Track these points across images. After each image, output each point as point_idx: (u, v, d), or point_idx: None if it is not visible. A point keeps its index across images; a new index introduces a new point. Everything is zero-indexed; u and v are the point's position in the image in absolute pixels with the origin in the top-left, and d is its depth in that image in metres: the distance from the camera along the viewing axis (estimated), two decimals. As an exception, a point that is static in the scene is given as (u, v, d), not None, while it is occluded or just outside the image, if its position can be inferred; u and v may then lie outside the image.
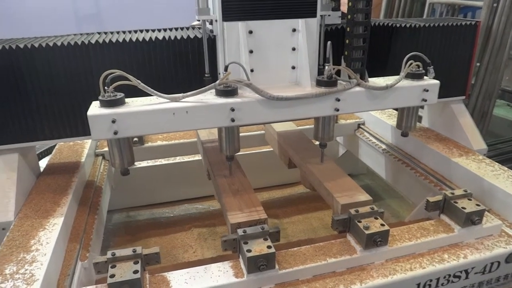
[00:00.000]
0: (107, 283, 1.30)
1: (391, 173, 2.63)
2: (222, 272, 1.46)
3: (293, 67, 1.79)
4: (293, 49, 1.76)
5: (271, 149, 2.79)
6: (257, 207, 1.70)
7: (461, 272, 1.61)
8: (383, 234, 1.55)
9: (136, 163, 2.84)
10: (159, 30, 2.01)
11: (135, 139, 2.66)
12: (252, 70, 1.72)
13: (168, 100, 1.57)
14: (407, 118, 1.95)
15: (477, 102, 3.70)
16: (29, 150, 2.05)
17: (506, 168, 2.06)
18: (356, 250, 1.58)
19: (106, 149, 2.58)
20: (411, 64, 1.79)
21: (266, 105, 1.63)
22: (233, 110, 1.58)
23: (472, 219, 1.68)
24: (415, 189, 2.37)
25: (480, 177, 1.98)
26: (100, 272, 1.39)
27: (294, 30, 1.73)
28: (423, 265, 1.57)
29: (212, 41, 1.79)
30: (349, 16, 1.71)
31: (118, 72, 1.47)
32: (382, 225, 1.57)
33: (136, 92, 1.55)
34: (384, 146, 2.67)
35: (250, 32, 1.68)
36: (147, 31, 2.00)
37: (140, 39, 1.83)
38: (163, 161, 2.92)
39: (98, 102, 1.52)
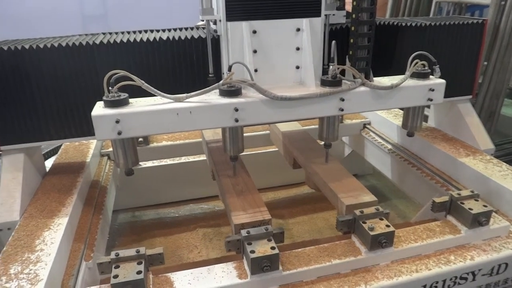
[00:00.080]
0: (110, 283, 1.30)
1: (397, 174, 2.61)
2: (226, 273, 1.46)
3: (297, 67, 1.78)
4: (297, 48, 1.75)
5: (277, 149, 2.78)
6: (261, 207, 1.69)
7: (468, 274, 1.59)
8: (388, 235, 1.54)
9: (141, 163, 2.86)
10: (163, 31, 2.01)
11: (140, 139, 2.67)
12: (256, 70, 1.71)
13: (171, 100, 1.57)
14: (412, 118, 1.93)
15: (484, 101, 3.65)
16: (35, 150, 2.06)
17: (514, 169, 2.04)
18: (361, 251, 1.56)
19: (112, 149, 2.59)
20: (416, 63, 1.77)
21: (270, 105, 1.62)
22: (236, 110, 1.58)
23: (479, 220, 1.66)
24: (421, 190, 2.34)
25: (488, 177, 1.96)
26: (103, 272, 1.39)
27: (298, 29, 1.72)
28: (429, 267, 1.55)
29: (216, 41, 1.78)
30: (353, 15, 1.70)
31: (122, 72, 1.48)
32: (387, 226, 1.56)
33: (140, 93, 1.55)
34: (390, 146, 2.65)
35: (254, 32, 1.68)
36: (151, 31, 2.00)
37: (144, 40, 1.83)
38: (168, 161, 2.93)
39: (102, 102, 1.53)
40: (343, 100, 1.69)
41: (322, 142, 1.97)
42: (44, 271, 1.40)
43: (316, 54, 1.75)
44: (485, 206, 1.68)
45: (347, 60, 1.80)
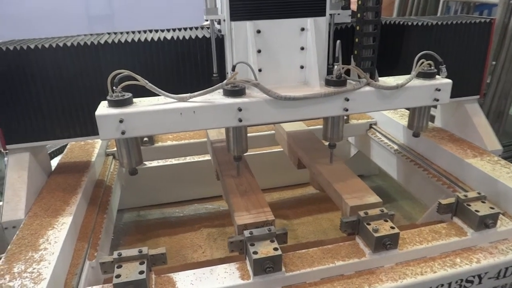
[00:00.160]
0: (112, 283, 1.30)
1: (403, 174, 2.58)
2: (228, 273, 1.45)
3: (302, 67, 1.77)
4: (302, 48, 1.74)
5: (282, 149, 2.77)
6: (265, 208, 1.68)
7: (473, 277, 1.56)
8: (392, 237, 1.52)
9: (146, 162, 2.87)
10: (168, 30, 2.01)
11: (146, 139, 2.68)
12: (260, 70, 1.71)
13: (175, 100, 1.57)
14: (418, 118, 1.91)
15: (492, 102, 3.61)
16: (40, 149, 2.07)
17: (522, 170, 2.00)
18: (365, 253, 1.55)
19: (117, 148, 2.60)
20: (422, 63, 1.75)
21: (274, 105, 1.61)
22: (240, 110, 1.57)
23: (486, 223, 1.63)
24: (428, 191, 2.32)
25: (495, 179, 1.93)
26: (106, 272, 1.39)
27: (302, 29, 1.71)
28: (434, 269, 1.53)
29: (220, 41, 1.78)
30: (358, 15, 1.68)
31: (126, 72, 1.48)
32: (392, 227, 1.54)
33: (144, 92, 1.55)
34: (396, 147, 2.63)
35: (258, 31, 1.67)
36: (156, 31, 2.00)
37: (149, 39, 1.83)
38: (173, 161, 2.93)
39: (106, 102, 1.53)
40: (347, 100, 1.67)
41: (327, 142, 1.96)
42: (47, 270, 1.40)
43: (320, 53, 1.73)
44: (492, 208, 1.66)
45: (352, 59, 1.78)
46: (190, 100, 1.57)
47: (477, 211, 1.64)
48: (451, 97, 1.81)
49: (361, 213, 1.59)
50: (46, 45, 1.76)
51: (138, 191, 2.91)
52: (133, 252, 1.39)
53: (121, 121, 1.49)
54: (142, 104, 1.55)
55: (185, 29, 2.05)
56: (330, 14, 1.73)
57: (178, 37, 1.86)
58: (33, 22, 6.69)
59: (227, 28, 1.65)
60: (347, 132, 2.95)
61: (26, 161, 1.92)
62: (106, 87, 1.50)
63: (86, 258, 1.64)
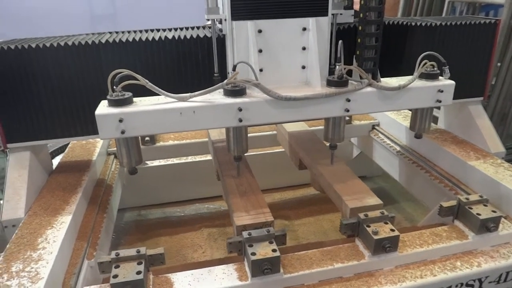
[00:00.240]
0: (110, 283, 1.29)
1: (405, 176, 2.56)
2: (226, 274, 1.44)
3: (303, 67, 1.76)
4: (303, 48, 1.73)
5: (283, 149, 2.76)
6: (264, 209, 1.67)
7: (474, 281, 1.55)
8: (392, 240, 1.50)
9: (147, 162, 2.86)
10: (169, 30, 2.00)
11: (147, 138, 2.68)
12: (261, 70, 1.70)
13: (175, 100, 1.56)
14: (421, 119, 1.89)
15: (497, 103, 3.57)
16: (41, 148, 2.07)
17: (525, 173, 1.98)
18: (365, 255, 1.53)
19: (118, 147, 2.60)
20: (425, 64, 1.73)
21: (275, 105, 1.60)
22: (240, 110, 1.57)
23: (487, 226, 1.61)
24: (430, 193, 2.30)
25: (498, 181, 1.91)
26: (104, 272, 1.39)
27: (304, 29, 1.70)
28: (434, 273, 1.52)
29: (221, 40, 1.77)
30: (361, 15, 1.67)
31: (126, 71, 1.47)
32: (392, 230, 1.53)
33: (145, 92, 1.55)
34: (398, 148, 2.61)
35: (260, 31, 1.66)
36: (157, 30, 2.00)
37: (150, 39, 1.83)
38: (174, 161, 2.93)
39: (106, 101, 1.53)
40: (349, 100, 1.66)
41: (328, 143, 1.95)
42: (45, 269, 1.40)
43: (322, 54, 1.72)
44: (494, 211, 1.64)
45: (354, 60, 1.77)
46: (190, 100, 1.56)
47: (478, 214, 1.62)
48: (455, 98, 1.80)
49: (361, 215, 1.57)
50: (47, 45, 1.76)
51: (139, 190, 2.91)
52: (131, 252, 1.39)
53: (120, 121, 1.48)
54: (142, 103, 1.55)
55: (187, 28, 2.04)
56: (333, 14, 1.72)
57: (179, 37, 1.85)
58: (35, 21, 6.71)
59: (228, 28, 1.64)
60: (349, 133, 2.93)
61: (27, 160, 1.92)
62: (107, 86, 1.50)
63: (85, 258, 1.63)
